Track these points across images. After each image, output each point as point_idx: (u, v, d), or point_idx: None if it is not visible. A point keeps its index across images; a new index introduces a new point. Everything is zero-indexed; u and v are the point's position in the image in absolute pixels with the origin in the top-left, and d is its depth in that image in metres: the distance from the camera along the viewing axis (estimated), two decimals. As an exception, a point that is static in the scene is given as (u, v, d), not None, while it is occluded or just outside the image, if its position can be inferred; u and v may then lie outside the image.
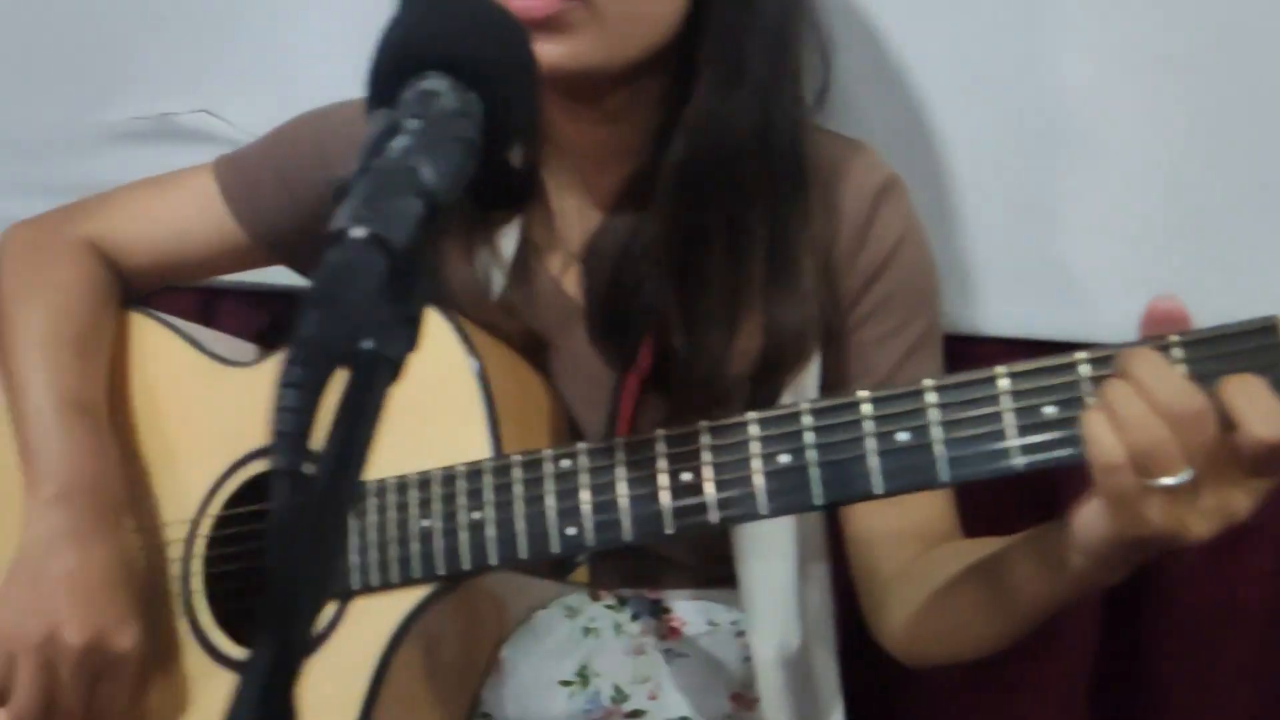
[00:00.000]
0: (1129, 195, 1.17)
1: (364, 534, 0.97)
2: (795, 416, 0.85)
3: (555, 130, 1.04)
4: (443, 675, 1.02)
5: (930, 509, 1.02)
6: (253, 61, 1.39)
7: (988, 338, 1.23)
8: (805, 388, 1.03)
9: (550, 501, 0.91)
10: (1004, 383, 0.79)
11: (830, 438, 0.84)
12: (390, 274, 0.56)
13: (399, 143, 0.62)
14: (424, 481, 0.95)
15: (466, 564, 0.93)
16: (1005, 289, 1.22)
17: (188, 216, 1.16)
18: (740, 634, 1.08)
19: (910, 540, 1.02)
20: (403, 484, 0.96)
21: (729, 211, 0.99)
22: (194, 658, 1.06)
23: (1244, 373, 0.74)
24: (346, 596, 0.97)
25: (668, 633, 1.08)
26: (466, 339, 0.98)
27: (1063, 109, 1.18)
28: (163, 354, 1.15)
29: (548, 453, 0.92)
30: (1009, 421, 0.79)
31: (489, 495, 0.93)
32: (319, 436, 0.52)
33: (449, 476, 0.95)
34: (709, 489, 0.87)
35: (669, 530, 0.88)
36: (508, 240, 1.06)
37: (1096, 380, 0.77)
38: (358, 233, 0.56)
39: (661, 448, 0.89)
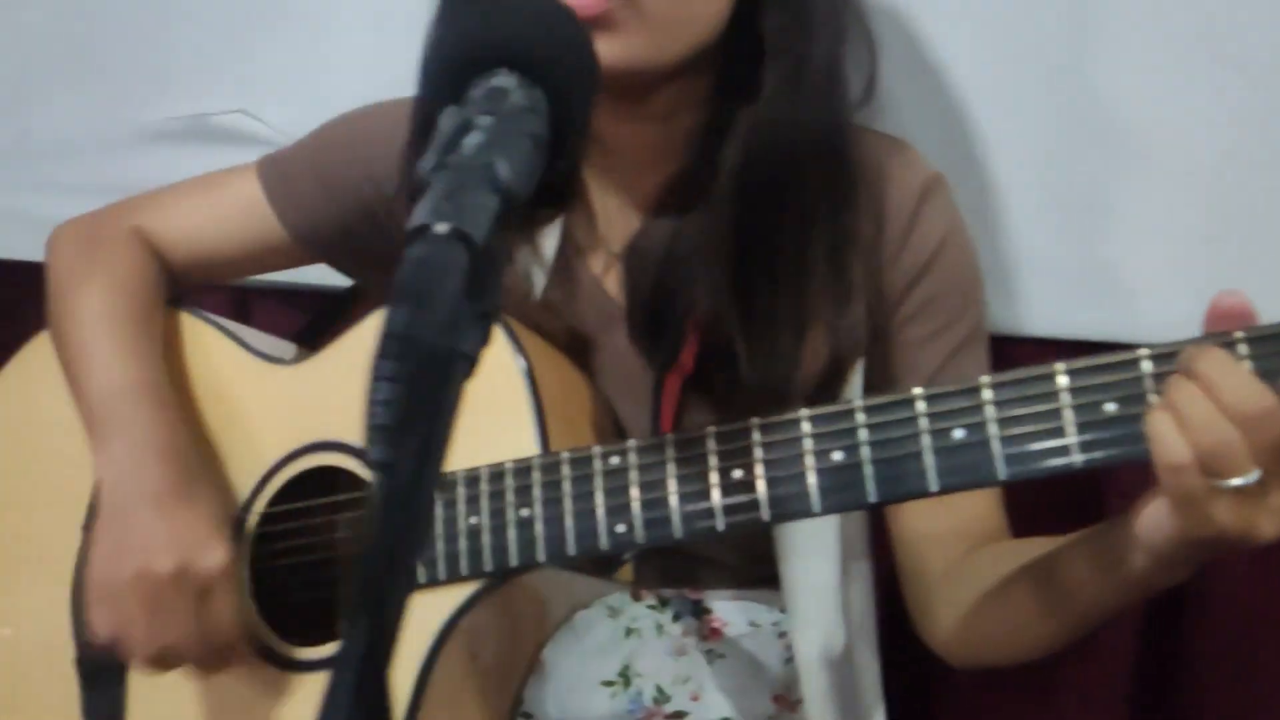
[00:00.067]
0: (1175, 195, 1.17)
1: None
2: (849, 414, 0.85)
3: (598, 129, 1.03)
4: (486, 673, 1.02)
5: (979, 508, 1.02)
6: (290, 62, 1.39)
7: (1028, 338, 1.22)
8: (850, 388, 1.02)
9: (599, 499, 0.91)
10: (1063, 380, 0.79)
11: (884, 435, 0.83)
12: (469, 270, 0.56)
13: (473, 139, 0.62)
14: (472, 479, 0.95)
15: (514, 561, 0.93)
16: (1047, 289, 1.21)
17: (232, 215, 1.17)
18: (782, 635, 1.08)
19: (959, 539, 1.01)
20: (450, 481, 0.96)
21: (795, 213, 0.98)
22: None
23: None
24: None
25: (709, 633, 1.07)
26: (514, 337, 0.98)
27: (1108, 107, 1.17)
28: (209, 350, 1.16)
29: (596, 450, 0.92)
30: (1068, 419, 0.78)
31: (537, 492, 0.93)
32: (405, 431, 0.52)
33: (497, 474, 0.94)
34: (760, 486, 0.87)
35: (720, 528, 0.88)
36: (549, 240, 1.06)
37: (1158, 377, 0.76)
38: (441, 228, 0.57)
39: (712, 445, 0.89)
